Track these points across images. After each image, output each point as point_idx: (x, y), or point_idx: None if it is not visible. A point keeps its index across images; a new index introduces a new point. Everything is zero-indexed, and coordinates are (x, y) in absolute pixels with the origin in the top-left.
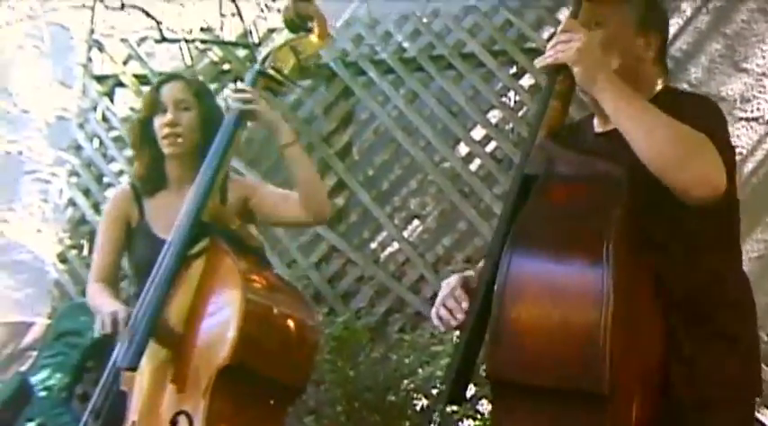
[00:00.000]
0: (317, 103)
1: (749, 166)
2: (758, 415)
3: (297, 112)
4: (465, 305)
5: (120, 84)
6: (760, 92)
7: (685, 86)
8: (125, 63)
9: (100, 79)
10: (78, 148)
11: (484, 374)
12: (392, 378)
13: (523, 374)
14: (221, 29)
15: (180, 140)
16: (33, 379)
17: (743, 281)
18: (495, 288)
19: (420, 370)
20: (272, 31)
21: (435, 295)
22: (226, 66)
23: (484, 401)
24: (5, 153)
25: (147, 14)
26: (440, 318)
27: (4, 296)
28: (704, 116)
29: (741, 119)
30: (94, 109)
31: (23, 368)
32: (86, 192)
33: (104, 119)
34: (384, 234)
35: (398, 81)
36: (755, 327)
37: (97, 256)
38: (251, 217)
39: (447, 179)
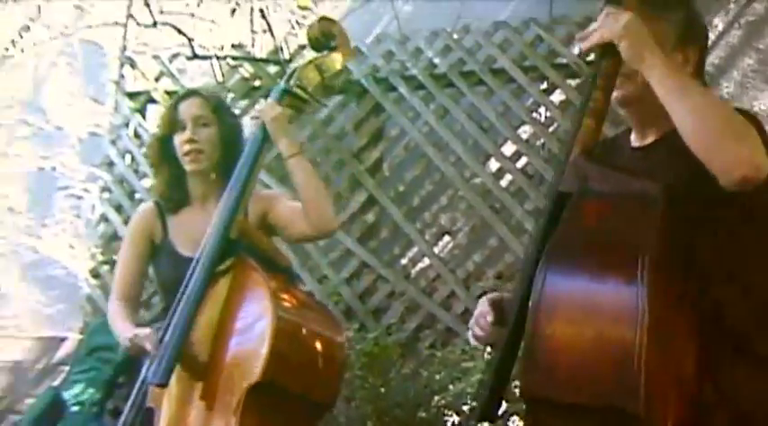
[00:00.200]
0: (347, 119)
1: None
2: None
3: (327, 128)
4: (490, 318)
5: (152, 101)
6: None
7: None
8: (157, 79)
9: (132, 96)
10: (110, 164)
11: (516, 391)
12: (423, 395)
13: (557, 391)
14: (252, 45)
15: (201, 156)
16: (66, 394)
17: None
18: (530, 305)
19: (451, 387)
20: (302, 47)
21: (466, 311)
22: (257, 83)
23: (515, 417)
24: (39, 169)
25: (179, 31)
26: (474, 336)
27: (36, 311)
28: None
29: None
30: (126, 125)
31: (56, 383)
32: (118, 208)
33: (136, 135)
34: (415, 249)
35: (429, 97)
36: None
37: (119, 273)
38: (272, 230)
39: (478, 195)
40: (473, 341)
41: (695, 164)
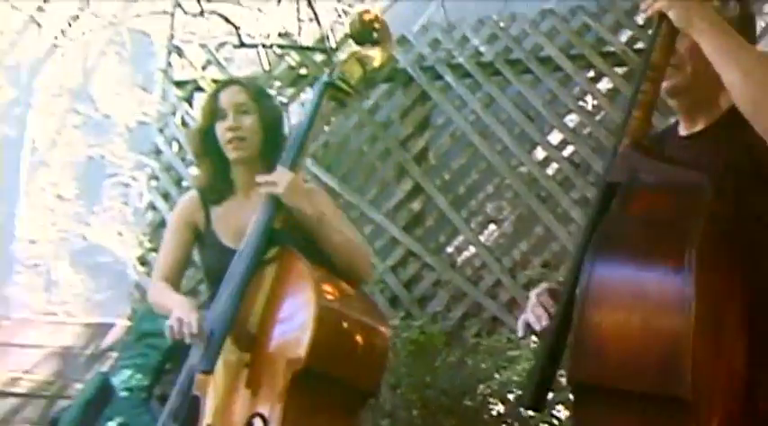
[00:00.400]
0: (394, 108)
1: None
2: None
3: (374, 117)
4: (552, 310)
5: (200, 89)
6: None
7: None
8: (204, 68)
9: (179, 84)
10: (158, 152)
11: (562, 380)
12: (468, 383)
13: (605, 378)
14: (299, 34)
15: (243, 144)
16: (114, 380)
17: None
18: (578, 293)
19: (496, 375)
20: (348, 36)
21: (512, 299)
22: (303, 71)
23: (560, 407)
24: (87, 157)
25: (227, 20)
26: (528, 324)
27: (85, 297)
28: None
29: None
30: (174, 113)
31: (104, 369)
32: (166, 196)
33: (183, 123)
34: (461, 238)
35: (475, 85)
36: None
37: (163, 257)
38: None
39: (524, 183)
40: (521, 333)
41: (744, 149)
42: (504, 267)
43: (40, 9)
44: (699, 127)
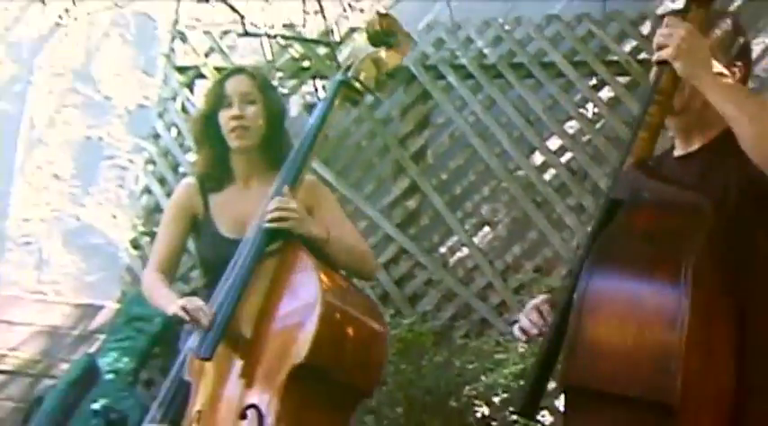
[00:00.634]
0: (394, 105)
1: None
2: None
3: (374, 113)
4: (550, 319)
5: (201, 76)
6: None
7: None
8: (207, 55)
9: (181, 70)
10: (156, 137)
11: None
12: (454, 384)
13: (597, 382)
14: (304, 26)
15: (247, 133)
16: (101, 362)
17: None
18: (575, 299)
19: (483, 377)
20: (353, 30)
21: (502, 302)
22: (306, 63)
23: (545, 412)
24: (86, 138)
25: (232, 8)
26: (522, 330)
27: (76, 278)
28: None
29: None
30: (174, 99)
31: (92, 350)
32: (162, 181)
33: (183, 109)
34: (454, 238)
35: (477, 87)
36: None
37: (158, 246)
38: None
39: (520, 187)
40: (519, 337)
41: (741, 167)
42: (496, 270)
43: None
44: (695, 146)
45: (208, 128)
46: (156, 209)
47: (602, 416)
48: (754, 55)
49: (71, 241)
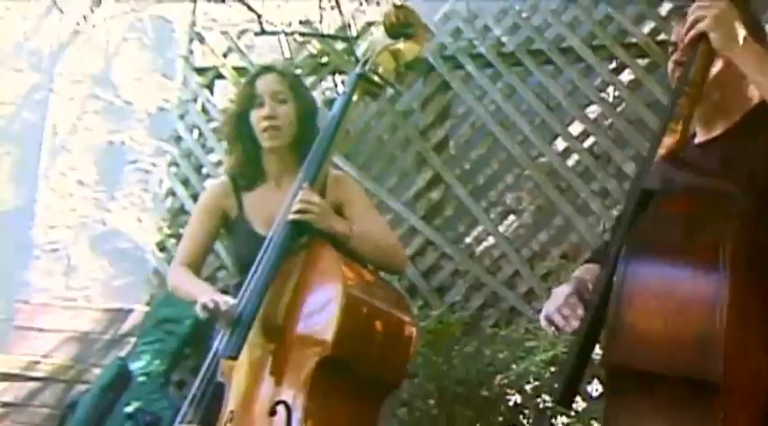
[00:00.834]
0: (414, 97)
1: None
2: None
3: (394, 106)
4: (580, 312)
5: (220, 76)
6: None
7: None
8: (225, 55)
9: (200, 71)
10: (178, 139)
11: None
12: (485, 373)
13: (639, 362)
14: (320, 22)
15: (279, 133)
16: (132, 365)
17: None
18: (613, 288)
19: (513, 366)
20: (370, 24)
21: (530, 290)
22: (324, 59)
23: (578, 398)
24: (108, 143)
25: (249, 7)
26: (554, 324)
27: (104, 283)
28: None
29: None
30: (195, 100)
31: (122, 354)
32: (185, 182)
33: (204, 110)
34: (480, 228)
35: (496, 75)
36: None
37: (187, 242)
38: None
39: (544, 174)
40: (550, 331)
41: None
42: (523, 258)
43: None
44: (717, 131)
45: (240, 127)
46: (181, 211)
47: (644, 395)
48: None
49: (98, 246)
